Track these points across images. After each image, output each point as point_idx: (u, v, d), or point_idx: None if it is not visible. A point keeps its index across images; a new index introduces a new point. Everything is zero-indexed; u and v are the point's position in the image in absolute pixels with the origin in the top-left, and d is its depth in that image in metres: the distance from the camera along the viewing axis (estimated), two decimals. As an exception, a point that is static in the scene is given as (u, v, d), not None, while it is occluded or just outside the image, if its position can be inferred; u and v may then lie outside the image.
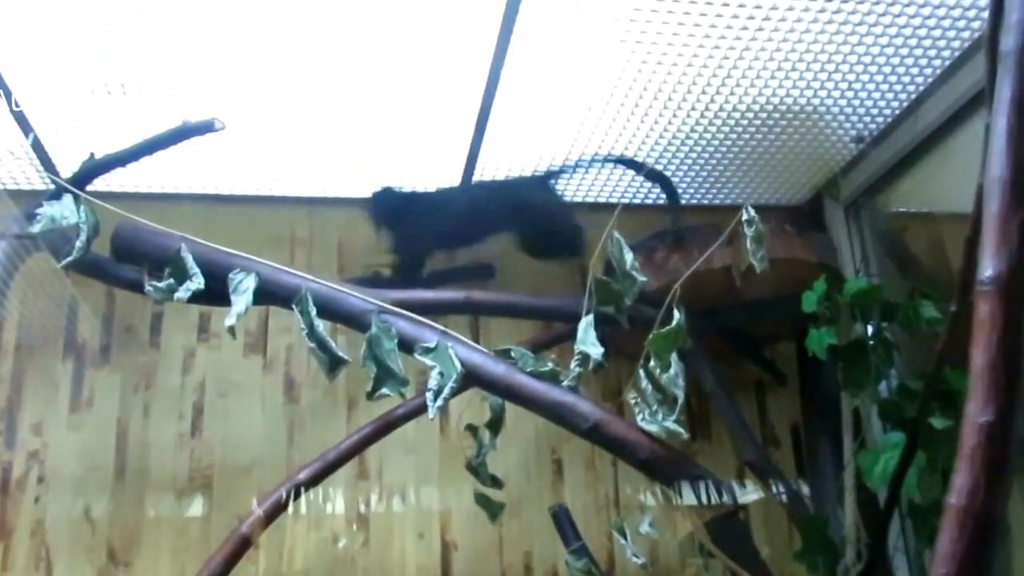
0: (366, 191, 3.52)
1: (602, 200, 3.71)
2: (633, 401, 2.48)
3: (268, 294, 2.61)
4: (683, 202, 3.71)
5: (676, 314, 2.36)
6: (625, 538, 2.57)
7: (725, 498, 2.58)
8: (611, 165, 3.41)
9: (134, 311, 3.47)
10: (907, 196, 3.45)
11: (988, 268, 1.63)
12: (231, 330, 2.50)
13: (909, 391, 2.69)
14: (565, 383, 2.50)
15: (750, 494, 3.43)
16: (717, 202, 3.76)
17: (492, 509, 2.80)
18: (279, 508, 2.85)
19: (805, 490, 3.34)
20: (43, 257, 2.83)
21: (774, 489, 3.04)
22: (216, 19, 2.58)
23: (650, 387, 2.43)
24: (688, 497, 2.56)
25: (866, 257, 3.50)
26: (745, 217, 2.38)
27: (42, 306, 3.34)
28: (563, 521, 2.95)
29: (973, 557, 1.61)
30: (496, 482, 2.78)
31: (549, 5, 2.56)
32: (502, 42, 2.72)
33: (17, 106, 2.87)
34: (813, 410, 3.45)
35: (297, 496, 2.86)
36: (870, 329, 2.82)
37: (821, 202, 3.72)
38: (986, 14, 2.27)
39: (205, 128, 2.66)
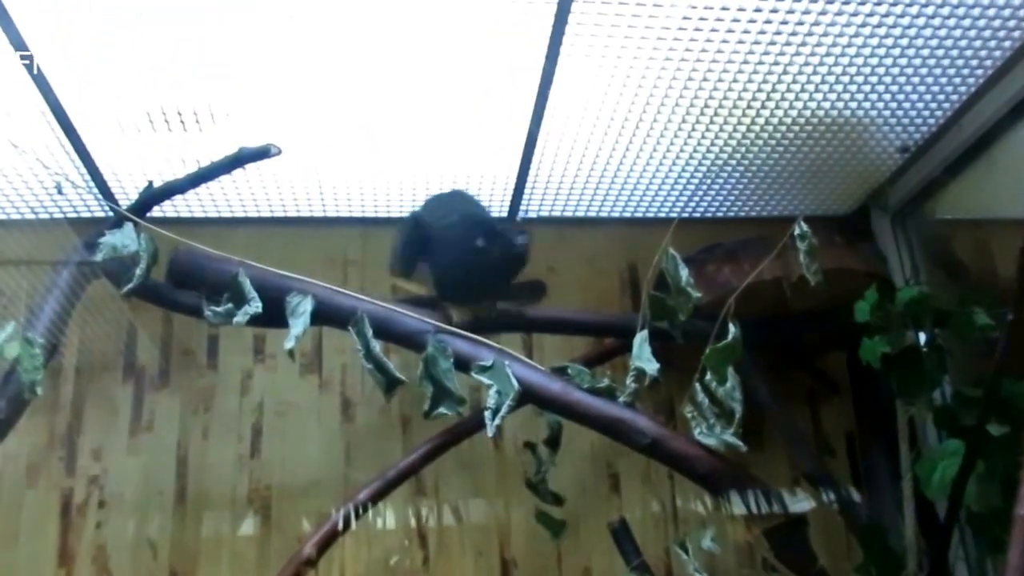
0: (419, 212, 3.56)
1: (651, 215, 3.72)
2: (690, 415, 2.50)
3: (325, 316, 2.65)
4: (732, 215, 3.73)
5: (732, 328, 2.38)
6: (687, 554, 2.58)
7: (784, 509, 2.59)
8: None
9: (191, 334, 3.51)
10: (954, 204, 3.44)
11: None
12: (291, 353, 2.54)
13: (965, 398, 2.69)
14: (621, 399, 2.52)
15: (807, 504, 3.42)
16: (765, 214, 3.76)
17: (553, 527, 2.82)
18: (338, 529, 2.87)
19: (861, 499, 3.33)
20: (101, 283, 2.87)
21: (830, 499, 3.04)
22: (270, 47, 2.62)
23: (707, 401, 2.45)
24: (744, 508, 2.57)
25: (915, 265, 3.50)
26: (797, 232, 2.40)
27: (101, 331, 3.39)
28: (623, 537, 2.93)
29: (1043, 566, 1.62)
30: (557, 499, 2.80)
31: (595, 25, 2.58)
32: (549, 64, 2.75)
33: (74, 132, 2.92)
34: (867, 419, 3.45)
35: (357, 516, 2.88)
36: (923, 337, 2.82)
37: (868, 212, 3.72)
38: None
39: (261, 154, 2.70)
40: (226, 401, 3.47)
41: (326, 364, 3.55)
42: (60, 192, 3.21)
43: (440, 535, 3.38)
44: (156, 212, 2.90)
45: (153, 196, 2.82)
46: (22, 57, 2.57)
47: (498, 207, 3.61)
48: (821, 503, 3.29)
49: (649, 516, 3.47)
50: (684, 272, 2.52)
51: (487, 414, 2.46)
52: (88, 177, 3.17)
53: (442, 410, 2.52)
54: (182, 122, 2.93)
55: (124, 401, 3.43)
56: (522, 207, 3.62)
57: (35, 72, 2.64)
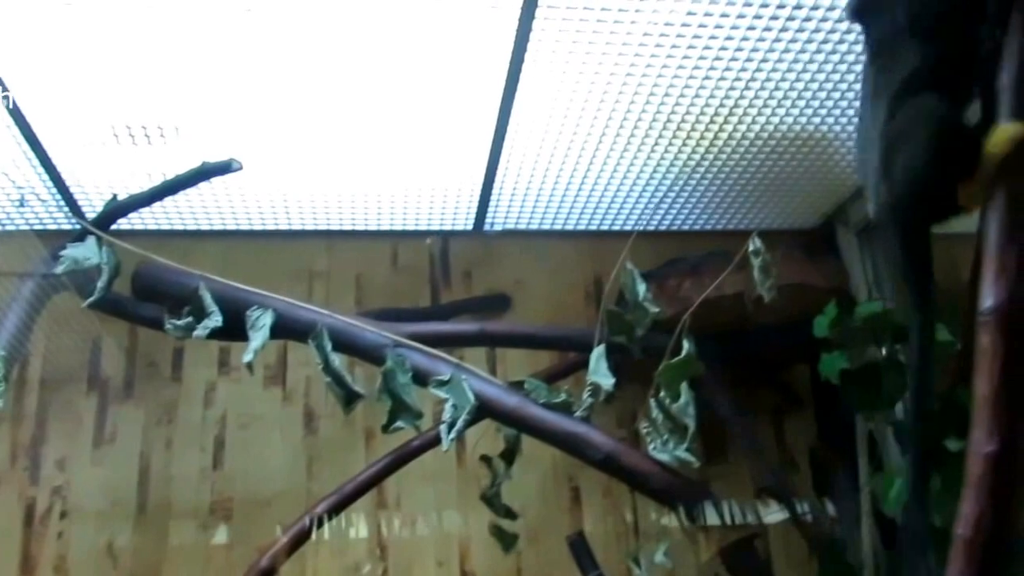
0: (384, 224, 3.58)
1: (616, 227, 3.73)
2: (645, 431, 2.50)
3: (285, 329, 2.65)
4: (698, 228, 3.75)
5: (686, 344, 2.39)
6: (640, 567, 2.58)
7: (740, 523, 2.60)
8: None
9: (156, 346, 3.50)
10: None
11: (988, 298, 1.65)
12: (249, 366, 2.54)
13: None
14: (578, 413, 2.52)
15: (767, 518, 3.43)
16: (732, 227, 3.78)
17: (506, 540, 2.82)
18: (299, 540, 2.87)
19: (822, 513, 3.34)
20: (69, 294, 2.87)
21: (791, 513, 3.05)
22: (235, 62, 2.62)
23: (661, 416, 2.45)
24: (703, 524, 2.58)
25: (879, 280, 3.51)
26: (752, 248, 2.41)
27: (67, 343, 3.39)
28: (580, 550, 2.95)
29: (983, 587, 1.63)
30: (510, 513, 2.80)
31: (557, 39, 2.59)
32: (512, 77, 2.76)
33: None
34: (829, 433, 3.46)
35: (317, 528, 2.88)
36: (883, 352, 2.83)
37: (833, 226, 3.73)
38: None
39: (224, 168, 2.72)
40: (190, 413, 3.47)
41: (290, 377, 3.55)
42: (23, 204, 3.21)
43: (401, 547, 3.39)
44: (124, 225, 2.90)
45: (117, 209, 2.82)
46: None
47: (463, 220, 3.62)
48: (783, 517, 3.30)
49: (611, 529, 3.48)
50: (642, 287, 2.53)
51: (443, 428, 2.46)
52: (54, 190, 3.17)
53: (400, 424, 2.52)
54: (147, 136, 2.93)
55: (88, 412, 3.43)
56: (487, 220, 3.64)
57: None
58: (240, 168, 2.72)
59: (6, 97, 2.70)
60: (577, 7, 2.46)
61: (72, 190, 3.20)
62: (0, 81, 2.64)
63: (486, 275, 3.78)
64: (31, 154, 2.98)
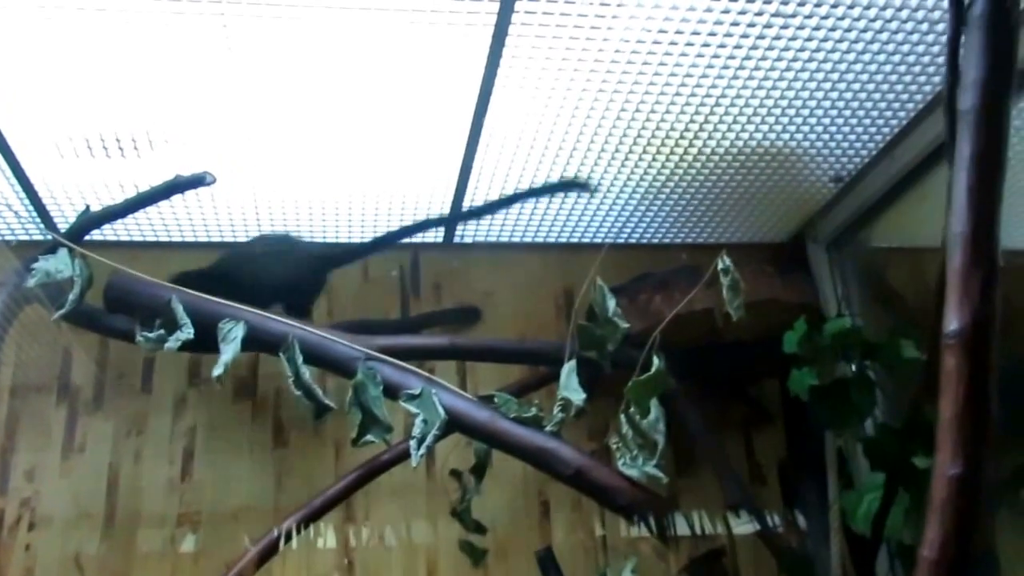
0: (355, 235, 3.59)
1: (587, 240, 3.75)
2: (615, 446, 2.50)
3: (256, 342, 2.65)
4: (667, 241, 3.76)
5: (656, 360, 2.40)
6: (609, 585, 2.59)
7: (709, 534, 2.61)
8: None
9: (127, 357, 3.48)
10: (887, 233, 3.49)
11: (952, 322, 1.66)
12: (219, 379, 2.54)
13: (891, 431, 2.71)
14: (548, 428, 2.53)
15: (736, 530, 3.44)
16: (701, 240, 3.79)
17: (475, 555, 2.83)
18: (267, 554, 2.87)
19: (791, 528, 3.35)
20: (39, 305, 2.86)
21: (761, 528, 3.06)
22: (207, 74, 2.62)
23: (631, 432, 2.46)
24: (675, 534, 2.58)
25: (848, 295, 3.53)
26: (721, 266, 2.42)
27: (37, 353, 3.37)
28: (548, 565, 2.93)
29: (949, 609, 1.64)
30: (480, 528, 2.80)
31: (530, 53, 2.60)
32: (485, 90, 2.77)
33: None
34: (799, 448, 3.48)
35: (285, 541, 2.88)
36: (852, 368, 2.85)
37: (803, 240, 3.75)
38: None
39: (196, 182, 2.73)
40: (159, 424, 3.45)
41: (260, 389, 3.54)
42: (-6, 216, 3.21)
43: (368, 560, 3.37)
44: (96, 236, 2.90)
45: (90, 221, 2.83)
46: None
47: (434, 232, 3.63)
48: (752, 532, 3.32)
49: (579, 544, 3.46)
50: (612, 302, 2.54)
51: (412, 443, 2.46)
52: (26, 201, 3.16)
53: (370, 437, 2.52)
54: (120, 148, 2.93)
55: (58, 423, 3.40)
56: (458, 231, 3.65)
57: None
58: (213, 182, 2.73)
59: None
60: (550, 24, 2.48)
61: (44, 201, 3.19)
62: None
63: (456, 287, 3.78)
64: (3, 164, 2.98)
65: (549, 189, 2.98)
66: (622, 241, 3.75)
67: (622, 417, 2.48)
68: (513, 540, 3.39)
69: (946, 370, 1.68)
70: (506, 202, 3.11)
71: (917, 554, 1.67)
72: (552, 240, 3.75)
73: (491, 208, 3.09)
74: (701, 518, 2.69)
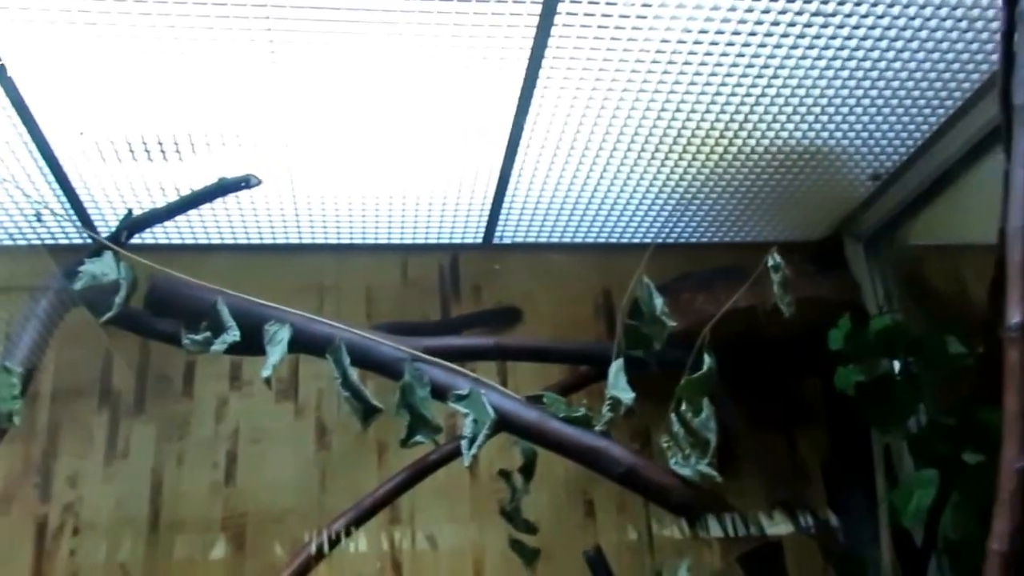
0: (394, 238, 3.59)
1: (625, 240, 3.75)
2: (665, 445, 2.50)
3: (302, 344, 2.64)
4: (706, 240, 3.77)
5: (707, 359, 2.39)
6: (663, 584, 2.59)
7: (759, 536, 2.60)
8: None
9: (167, 361, 3.50)
10: (927, 231, 3.47)
11: (1015, 315, 1.66)
12: (268, 381, 2.53)
13: (939, 427, 2.71)
14: (597, 428, 2.53)
15: (781, 531, 3.43)
16: (739, 240, 3.80)
17: (527, 555, 2.81)
18: (314, 557, 2.87)
19: (837, 526, 3.34)
20: (79, 310, 2.87)
21: (806, 526, 3.05)
22: (249, 77, 2.63)
23: (682, 431, 2.45)
24: (718, 532, 2.58)
25: (888, 292, 3.53)
26: (771, 263, 2.42)
27: (77, 358, 3.39)
28: (598, 565, 2.93)
29: (1018, 600, 1.63)
30: (530, 527, 2.80)
31: (571, 56, 2.61)
32: (526, 90, 2.77)
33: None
34: (843, 447, 3.46)
35: (333, 545, 2.88)
36: (896, 365, 2.84)
37: (841, 238, 3.75)
38: (995, 56, 2.32)
39: (242, 184, 2.72)
40: (201, 428, 3.47)
41: (302, 391, 3.55)
42: (39, 220, 3.22)
43: (415, 562, 3.38)
44: (136, 239, 2.90)
45: (133, 224, 2.83)
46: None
47: (473, 233, 3.64)
48: (797, 530, 3.31)
49: (625, 544, 3.47)
50: (659, 301, 2.53)
51: (463, 443, 2.46)
52: (68, 205, 3.18)
53: (419, 438, 2.52)
54: (162, 151, 2.94)
55: (100, 428, 3.42)
56: (497, 233, 3.65)
57: (16, 100, 2.66)
58: (259, 183, 2.73)
59: (21, 110, 2.70)
60: (592, 24, 2.48)
61: (85, 205, 3.21)
62: (19, 97, 2.65)
63: (496, 288, 3.79)
64: (46, 169, 2.99)
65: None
66: (660, 241, 3.75)
67: (672, 416, 2.47)
68: (558, 541, 3.36)
69: (1010, 364, 1.68)
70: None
71: (986, 547, 1.67)
72: (591, 241, 3.75)
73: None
74: (742, 517, 2.67)
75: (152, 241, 3.44)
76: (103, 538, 3.29)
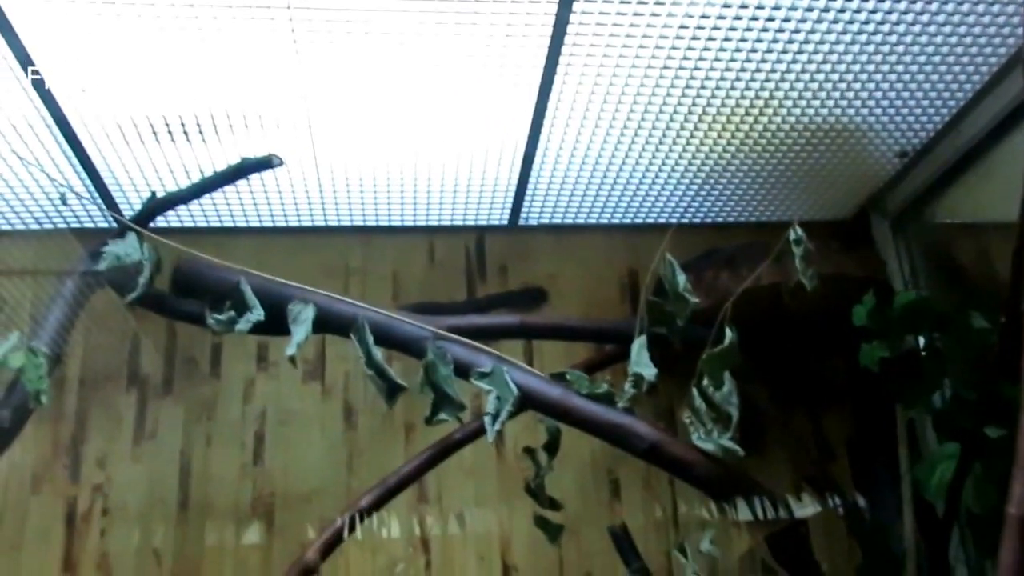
0: (419, 220, 3.61)
1: (651, 221, 3.75)
2: (688, 420, 2.50)
3: (326, 323, 2.66)
4: (731, 220, 3.76)
5: (728, 333, 2.39)
6: (686, 557, 2.58)
7: (783, 513, 2.60)
8: None
9: (194, 343, 3.52)
10: (953, 208, 3.45)
11: (1038, 291, 1.66)
12: (292, 360, 2.54)
13: (963, 402, 2.69)
14: (620, 404, 2.53)
15: (807, 508, 3.43)
16: (765, 219, 3.79)
17: (551, 531, 2.82)
18: (341, 535, 2.89)
19: (863, 503, 3.34)
20: (105, 293, 2.89)
21: (832, 503, 3.05)
22: (272, 57, 2.63)
23: (704, 406, 2.45)
24: (745, 513, 2.58)
25: (914, 270, 3.51)
26: (793, 237, 2.41)
27: (105, 341, 3.42)
28: (622, 541, 2.95)
29: (1034, 565, 1.63)
30: (554, 504, 2.80)
31: (594, 32, 2.60)
32: (548, 70, 2.76)
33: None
34: (868, 423, 3.46)
35: (359, 522, 2.90)
36: (921, 341, 2.83)
37: (867, 217, 3.73)
38: (1021, 30, 2.30)
39: (264, 165, 2.72)
40: (229, 409, 3.49)
41: (329, 372, 3.56)
42: (64, 203, 3.24)
43: (442, 541, 3.40)
44: (159, 221, 2.92)
45: (156, 206, 2.84)
46: (28, 70, 2.60)
47: (499, 215, 3.64)
48: (822, 506, 3.31)
49: (650, 521, 3.48)
50: (682, 278, 2.53)
51: (487, 420, 2.47)
52: (92, 188, 3.20)
53: (443, 416, 2.53)
54: (185, 132, 2.95)
55: (128, 409, 3.44)
56: (522, 214, 3.66)
57: (39, 84, 2.67)
58: (281, 164, 2.74)
59: (44, 93, 2.72)
60: (614, 1, 2.47)
61: (108, 187, 3.23)
62: (41, 81, 2.66)
63: (521, 269, 3.79)
64: (69, 151, 3.01)
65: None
66: (686, 221, 3.75)
67: (694, 391, 2.48)
68: (584, 518, 3.40)
69: (1030, 336, 1.68)
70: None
71: (1004, 513, 1.67)
72: (616, 221, 3.75)
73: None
74: (768, 499, 2.66)
75: (178, 224, 3.48)
76: (133, 518, 3.32)
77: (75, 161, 3.06)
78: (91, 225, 3.42)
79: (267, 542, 3.34)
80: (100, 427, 3.41)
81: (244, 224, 3.58)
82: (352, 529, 2.88)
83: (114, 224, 2.89)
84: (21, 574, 3.21)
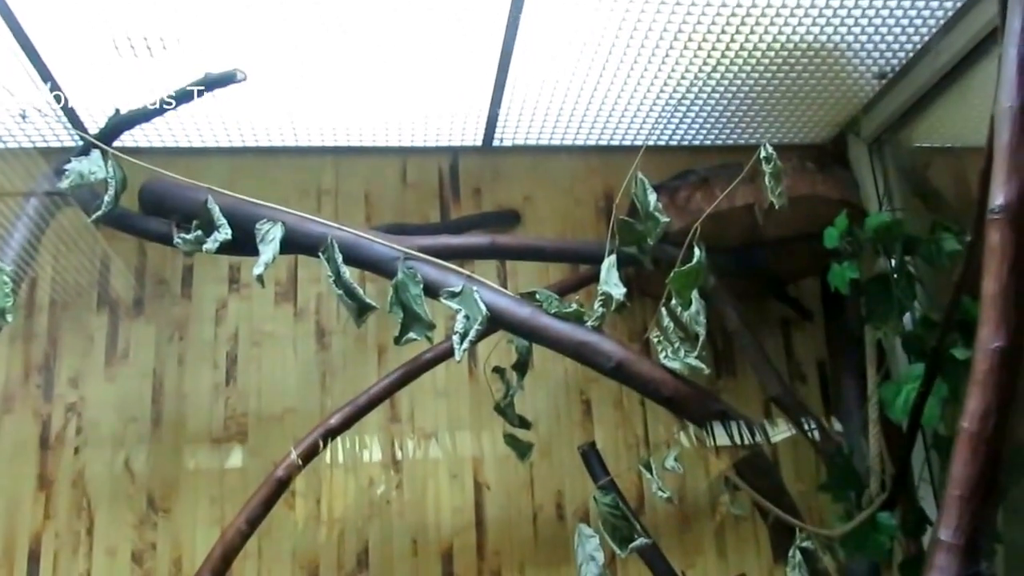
0: (392, 141, 3.58)
1: (628, 143, 3.72)
2: (656, 339, 2.50)
3: (295, 243, 2.64)
4: (708, 142, 3.74)
5: (697, 251, 2.39)
6: (651, 473, 2.60)
7: (750, 434, 2.61)
8: None
9: (165, 264, 3.52)
10: (929, 132, 3.44)
11: (998, 197, 1.65)
12: (259, 279, 2.53)
13: (931, 323, 2.71)
14: (589, 323, 2.52)
15: (780, 433, 3.46)
16: (742, 141, 3.76)
17: (521, 449, 2.84)
18: (313, 453, 2.89)
19: (834, 425, 3.36)
20: (74, 213, 2.87)
21: (800, 424, 3.07)
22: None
23: (672, 325, 2.46)
24: (714, 434, 2.58)
25: (889, 193, 3.50)
26: (763, 154, 2.40)
27: (75, 261, 3.40)
28: (592, 459, 2.97)
29: (985, 480, 1.64)
30: (524, 422, 2.81)
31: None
32: (518, -7, 2.73)
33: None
34: (838, 345, 3.48)
35: (331, 440, 2.90)
36: (892, 263, 2.84)
37: (845, 140, 3.72)
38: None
39: (227, 80, 2.67)
40: (201, 330, 3.49)
41: (301, 293, 3.56)
42: (25, 119, 3.19)
43: (414, 460, 3.43)
44: (129, 142, 2.90)
45: (120, 123, 2.79)
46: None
47: (472, 136, 3.61)
48: (791, 428, 3.33)
49: (621, 441, 3.50)
50: (653, 197, 2.52)
51: (455, 338, 2.46)
52: (55, 104, 3.14)
53: (412, 336, 2.52)
54: (148, 48, 2.90)
55: (99, 330, 3.44)
56: (496, 135, 3.62)
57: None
58: (244, 79, 2.68)
59: (3, 8, 2.68)
60: (586, -86, 2.44)
61: (73, 105, 3.17)
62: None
63: (495, 191, 3.78)
64: (31, 68, 2.96)
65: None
66: (662, 143, 3.72)
67: (663, 310, 2.48)
68: (556, 438, 3.43)
69: (990, 246, 1.67)
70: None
71: (957, 428, 1.68)
72: (591, 143, 3.72)
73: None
74: (739, 424, 2.67)
75: (148, 145, 3.44)
76: (107, 437, 3.33)
77: (38, 79, 3.00)
78: (57, 144, 3.39)
79: (242, 460, 3.36)
80: (72, 347, 3.41)
81: (215, 144, 3.54)
82: (323, 448, 2.89)
83: (79, 142, 2.86)
84: (-4, 491, 3.23)
